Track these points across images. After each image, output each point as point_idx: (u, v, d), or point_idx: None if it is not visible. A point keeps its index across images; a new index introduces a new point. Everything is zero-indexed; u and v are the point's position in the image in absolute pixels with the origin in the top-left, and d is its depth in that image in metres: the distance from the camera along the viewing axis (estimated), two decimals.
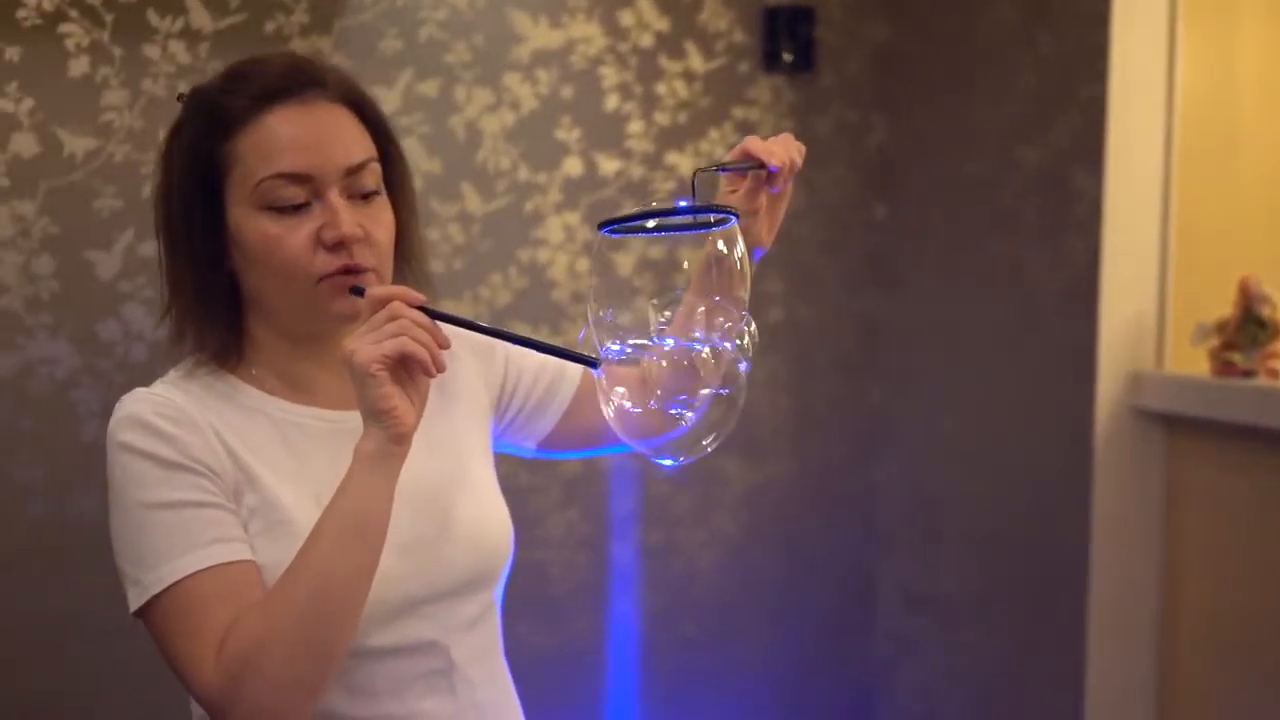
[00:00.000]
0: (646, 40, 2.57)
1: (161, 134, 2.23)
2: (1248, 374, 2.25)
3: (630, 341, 1.10)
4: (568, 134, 2.52)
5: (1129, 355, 2.39)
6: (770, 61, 2.68)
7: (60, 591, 2.13)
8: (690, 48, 2.61)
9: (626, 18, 2.55)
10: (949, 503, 2.73)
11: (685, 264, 1.19)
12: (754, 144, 1.24)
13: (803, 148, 1.27)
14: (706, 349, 1.11)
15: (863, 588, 2.86)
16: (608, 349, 1.11)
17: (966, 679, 2.69)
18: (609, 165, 2.55)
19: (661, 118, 2.60)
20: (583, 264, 2.53)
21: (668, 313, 1.12)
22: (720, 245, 1.11)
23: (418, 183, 2.39)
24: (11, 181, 2.10)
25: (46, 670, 2.13)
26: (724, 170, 1.24)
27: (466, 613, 1.20)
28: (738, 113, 2.67)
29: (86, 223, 2.16)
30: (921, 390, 2.79)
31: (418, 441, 1.21)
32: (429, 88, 2.40)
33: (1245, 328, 2.25)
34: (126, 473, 1.09)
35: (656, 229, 1.10)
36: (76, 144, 2.13)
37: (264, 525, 1.10)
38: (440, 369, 1.05)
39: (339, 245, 1.12)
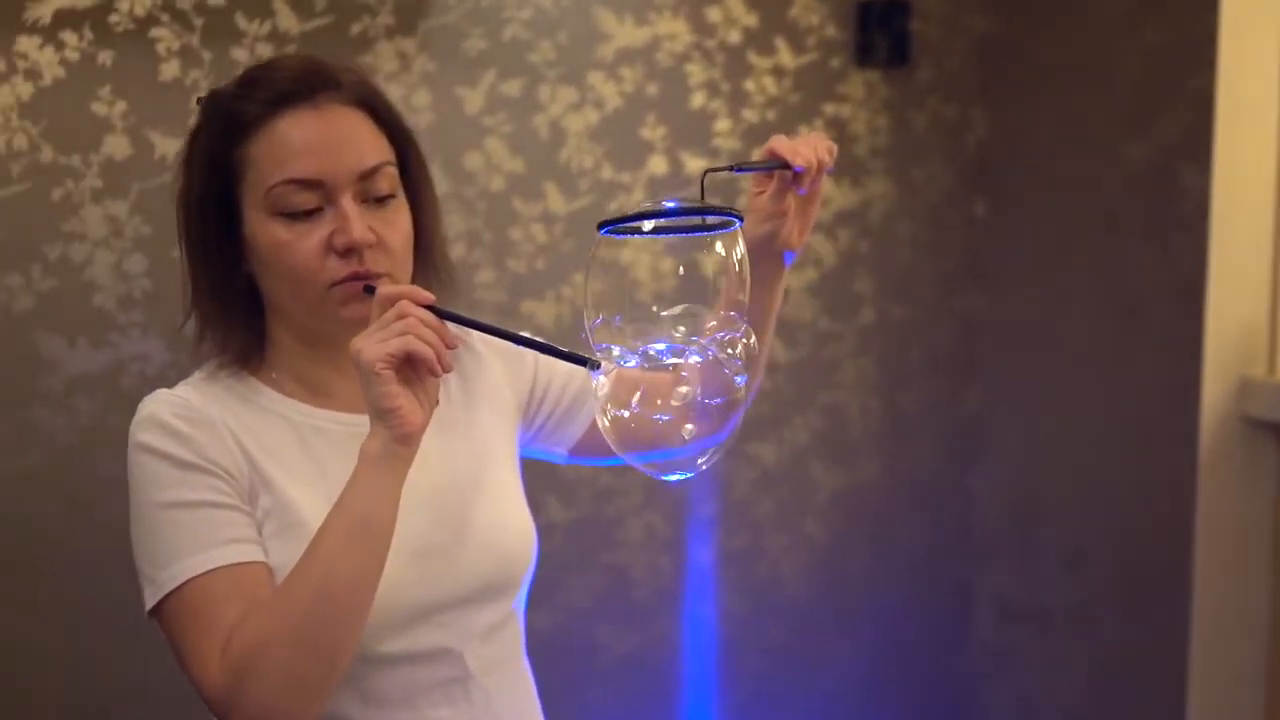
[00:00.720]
0: (734, 36, 2.53)
1: None
2: None
3: (622, 348, 1.08)
4: (652, 132, 2.49)
5: (1238, 361, 2.27)
6: (863, 56, 2.62)
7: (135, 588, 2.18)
8: (780, 43, 2.57)
9: (714, 14, 2.51)
10: (1048, 511, 2.63)
11: (680, 270, 1.15)
12: (779, 143, 1.20)
13: (833, 147, 1.22)
14: (695, 358, 1.08)
15: (957, 598, 2.78)
16: (601, 351, 1.08)
17: (1065, 694, 2.59)
18: (695, 164, 2.52)
19: (750, 115, 2.56)
20: (666, 263, 2.50)
21: (682, 327, 1.09)
22: (719, 248, 1.08)
23: (500, 182, 2.40)
24: (104, 183, 2.16)
25: (136, 666, 2.19)
26: (740, 170, 1.20)
27: (484, 621, 1.18)
28: (829, 109, 2.61)
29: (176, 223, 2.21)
30: (1020, 394, 2.69)
31: (438, 445, 1.20)
32: (512, 87, 2.40)
33: None
34: (144, 472, 1.11)
35: (657, 230, 1.07)
36: (167, 146, 2.18)
37: (278, 527, 1.11)
38: (446, 369, 1.04)
39: (350, 251, 1.12)
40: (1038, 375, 2.65)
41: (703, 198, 1.09)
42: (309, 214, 1.11)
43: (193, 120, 1.21)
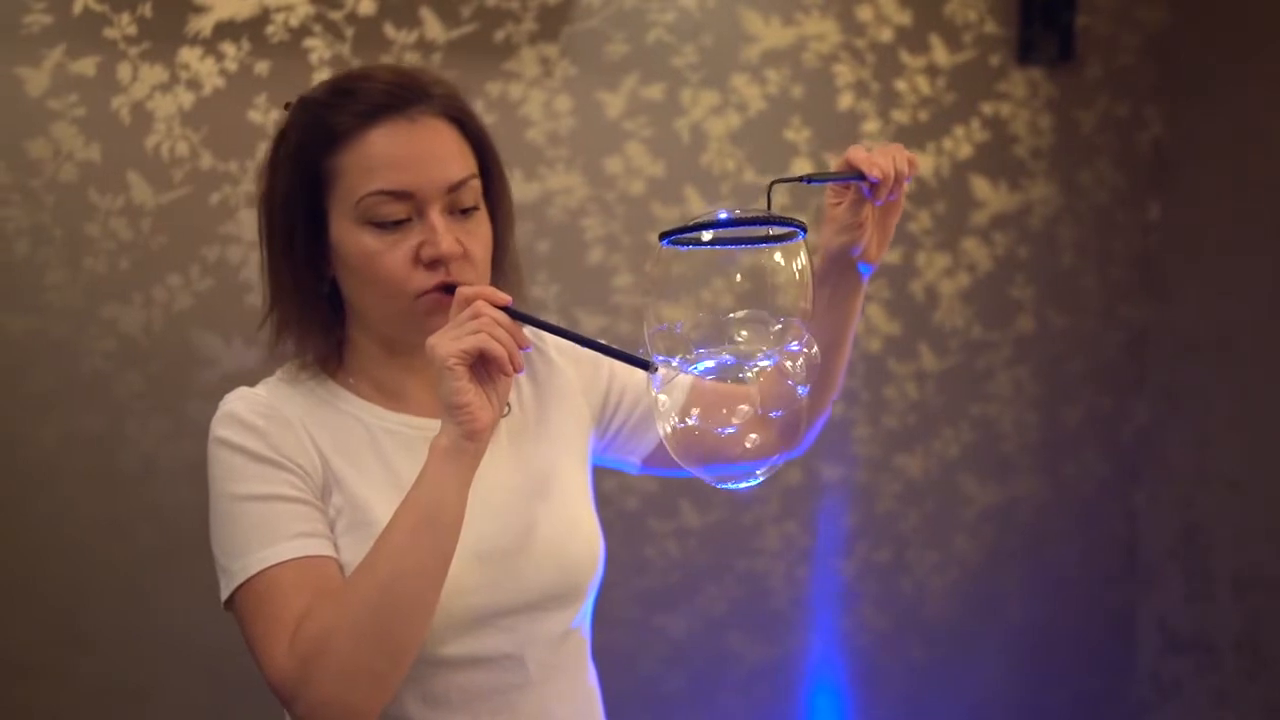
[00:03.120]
0: (886, 35, 2.46)
1: None
2: None
3: (682, 358, 1.05)
4: (797, 135, 2.45)
5: None
6: (1026, 53, 2.51)
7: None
8: (934, 41, 2.48)
9: (864, 12, 2.45)
10: (1220, 535, 2.46)
11: (738, 277, 1.11)
12: (856, 154, 1.15)
13: (914, 158, 1.17)
14: (758, 365, 1.04)
15: (1119, 624, 2.63)
16: (661, 360, 1.06)
17: None
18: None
19: (900, 116, 2.48)
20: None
21: (744, 332, 1.06)
22: (777, 256, 1.04)
23: (640, 186, 2.40)
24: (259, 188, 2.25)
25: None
26: (813, 181, 1.16)
27: (548, 629, 1.18)
28: (987, 108, 2.51)
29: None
30: (1193, 410, 2.53)
31: (508, 450, 1.20)
32: (654, 91, 2.39)
33: None
34: (221, 466, 1.14)
35: (719, 241, 1.04)
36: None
37: (348, 525, 1.13)
38: (518, 368, 1.06)
39: (437, 262, 1.12)
40: (1212, 390, 2.49)
41: (769, 207, 1.06)
42: (398, 224, 1.13)
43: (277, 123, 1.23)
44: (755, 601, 2.49)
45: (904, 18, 2.46)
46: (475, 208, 1.16)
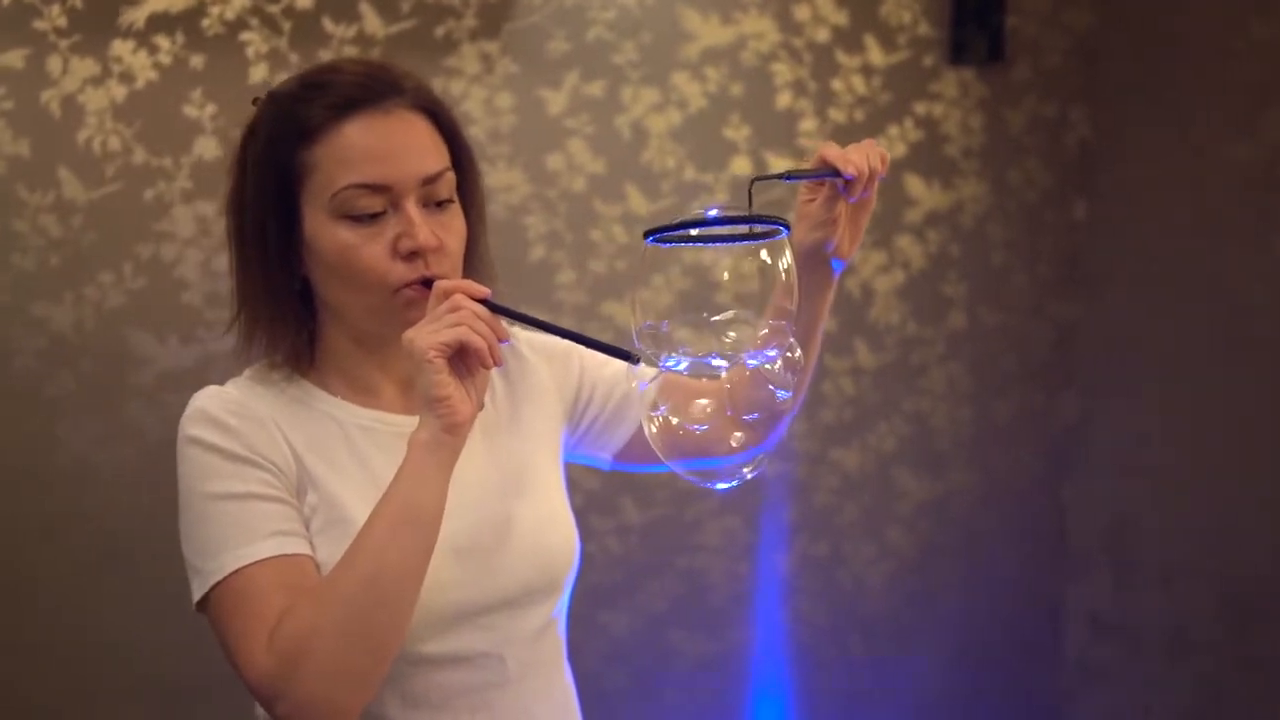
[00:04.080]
0: (822, 35, 2.49)
1: None
2: None
3: (666, 354, 1.06)
4: (736, 132, 2.47)
5: None
6: (957, 54, 2.55)
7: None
8: (869, 41, 2.52)
9: (801, 12, 2.48)
10: (1147, 527, 2.54)
11: (725, 276, 1.12)
12: (830, 151, 1.16)
13: (886, 155, 1.19)
14: (740, 365, 1.06)
15: (1049, 613, 2.69)
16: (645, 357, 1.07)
17: (1157, 714, 2.50)
18: (779, 164, 2.48)
19: (837, 115, 2.51)
20: (749, 265, 2.47)
21: (731, 334, 1.07)
22: (764, 256, 1.05)
23: (581, 183, 2.40)
24: (195, 184, 2.22)
25: (218, 659, 2.24)
26: (790, 178, 1.17)
27: (526, 625, 1.17)
28: (920, 108, 2.56)
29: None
30: (1119, 404, 2.60)
31: (482, 447, 1.19)
32: (595, 88, 2.39)
33: None
34: (193, 465, 1.12)
35: (704, 239, 1.05)
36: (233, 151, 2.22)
37: (324, 523, 1.11)
38: (498, 361, 1.05)
39: (415, 255, 1.12)
40: (1138, 385, 2.56)
41: (750, 206, 1.07)
42: (374, 217, 1.11)
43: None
44: (696, 597, 2.51)
45: (840, 18, 2.49)
46: (450, 201, 1.15)
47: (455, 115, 1.19)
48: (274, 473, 1.12)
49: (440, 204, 1.15)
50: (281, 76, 2.21)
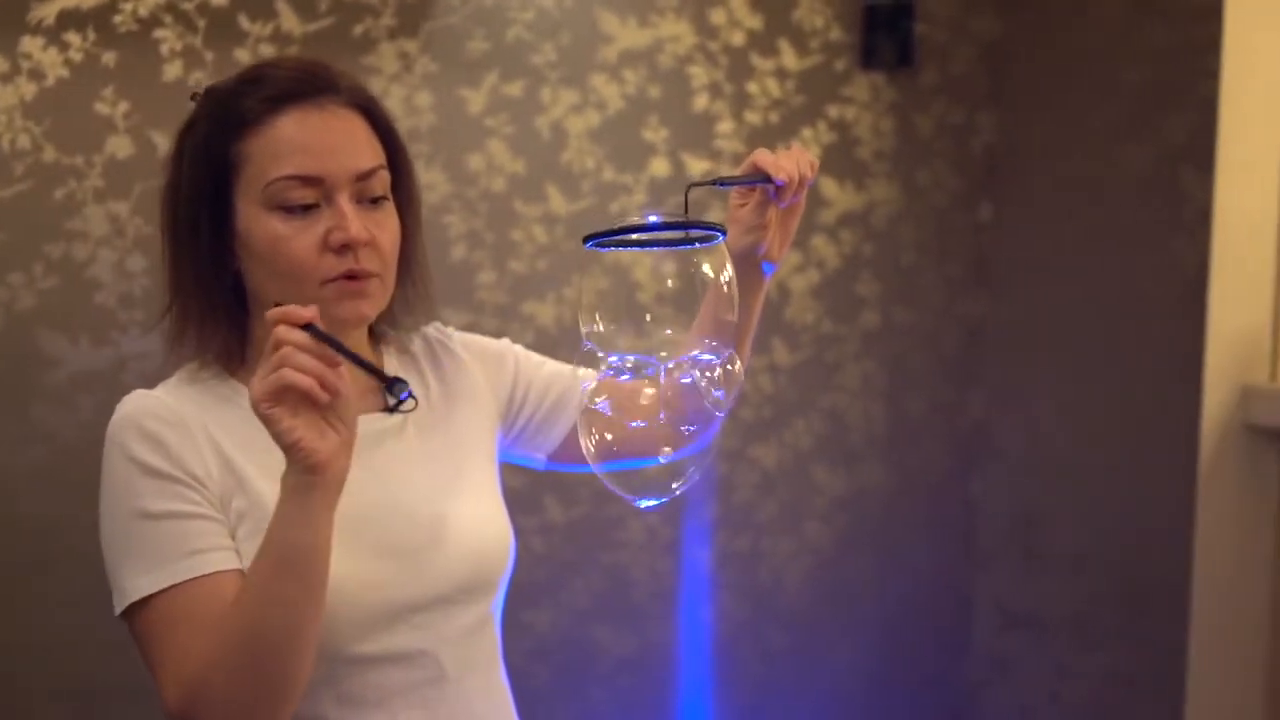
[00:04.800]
0: (738, 39, 2.53)
1: None
2: None
3: (612, 361, 1.09)
4: (654, 134, 2.50)
5: (1239, 368, 2.25)
6: (868, 59, 2.61)
7: None
8: (783, 45, 2.56)
9: (717, 15, 2.51)
10: (1050, 518, 2.62)
11: (669, 281, 1.15)
12: (762, 157, 1.20)
13: (815, 161, 1.22)
14: (675, 380, 1.09)
15: (958, 603, 2.77)
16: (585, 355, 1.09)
17: (1064, 701, 2.58)
18: (697, 166, 2.52)
19: (753, 117, 2.55)
20: (668, 265, 2.50)
21: (664, 352, 1.10)
22: (705, 268, 1.08)
23: (501, 183, 2.41)
24: (107, 182, 2.18)
25: (134, 664, 2.20)
26: (724, 184, 1.20)
27: (460, 622, 1.18)
28: (833, 112, 2.61)
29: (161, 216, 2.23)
30: (1024, 400, 2.68)
31: (416, 447, 1.20)
32: (514, 89, 2.40)
33: None
34: (114, 476, 1.12)
35: (641, 243, 1.07)
36: (170, 146, 2.19)
37: (254, 527, 1.11)
38: (332, 394, 1.01)
39: (345, 248, 1.12)
40: (1041, 381, 2.64)
41: (686, 211, 1.10)
42: (306, 210, 1.12)
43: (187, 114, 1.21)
44: (619, 594, 2.53)
45: (755, 22, 2.54)
46: (384, 198, 1.16)
47: (391, 118, 1.20)
48: (196, 487, 1.11)
49: (374, 201, 1.16)
50: (196, 74, 2.20)
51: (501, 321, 2.41)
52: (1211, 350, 2.25)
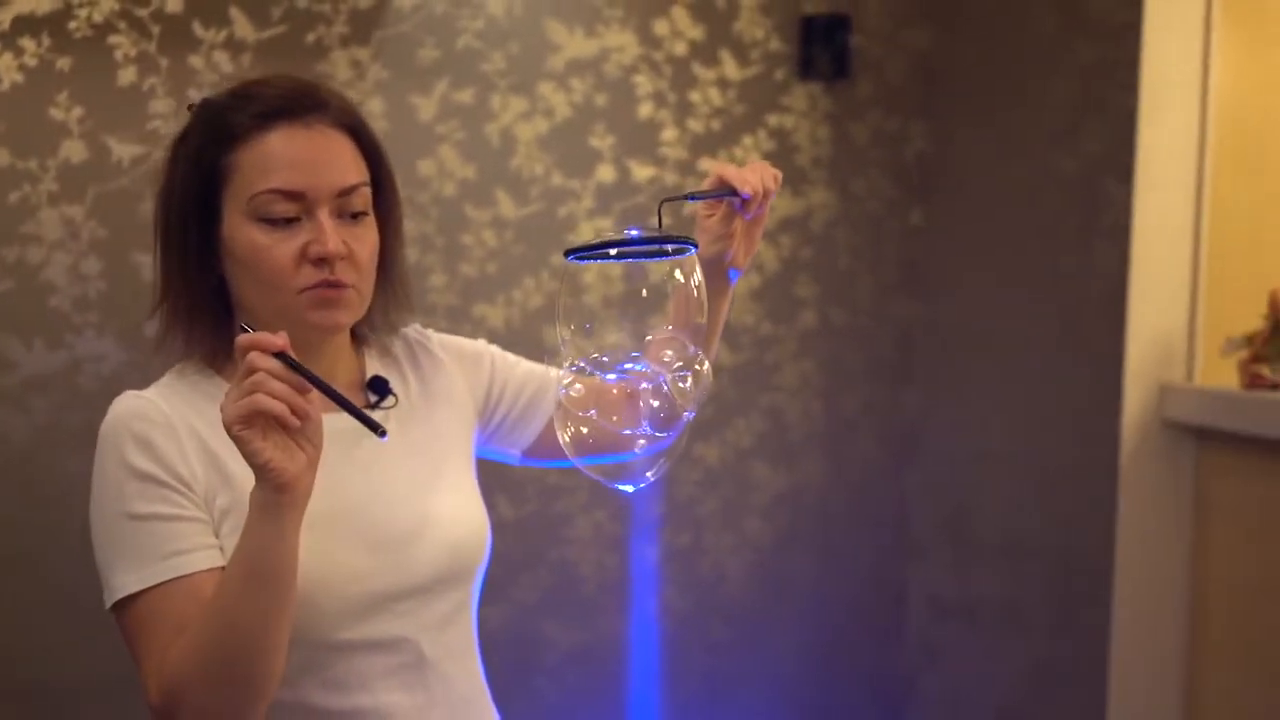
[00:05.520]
0: (680, 49, 2.61)
1: None
2: (1276, 387, 2.22)
3: (579, 362, 1.16)
4: (601, 141, 2.56)
5: (1158, 367, 2.37)
6: (806, 69, 2.71)
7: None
8: (725, 55, 2.64)
9: (661, 27, 2.59)
10: (980, 511, 2.73)
11: (644, 291, 1.23)
12: (728, 171, 1.27)
13: (778, 175, 1.30)
14: (646, 384, 1.16)
15: (893, 594, 2.87)
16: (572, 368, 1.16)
17: (994, 686, 2.69)
18: (642, 172, 2.59)
19: (695, 125, 2.63)
20: (615, 269, 2.57)
21: (636, 354, 1.17)
22: (678, 274, 1.16)
23: (452, 188, 2.46)
24: (61, 186, 2.20)
25: (98, 660, 2.22)
26: (693, 198, 1.28)
27: (439, 610, 1.25)
28: (772, 120, 2.70)
29: (133, 226, 2.25)
30: (955, 398, 2.79)
31: (398, 442, 1.26)
32: (465, 96, 2.46)
33: (1275, 340, 2.22)
34: (103, 476, 1.17)
35: (619, 256, 1.15)
36: (124, 150, 2.22)
37: (237, 523, 1.16)
38: (303, 418, 1.06)
39: (322, 261, 1.18)
40: (971, 379, 2.75)
41: (660, 225, 1.17)
42: (288, 222, 1.18)
43: (161, 123, 1.26)
44: (567, 589, 2.59)
45: (697, 33, 2.62)
46: (364, 214, 1.22)
47: (377, 137, 1.26)
48: (180, 489, 1.17)
49: (355, 216, 1.21)
50: (150, 80, 2.23)
51: (452, 324, 2.46)
52: (1131, 350, 2.36)
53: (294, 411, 1.05)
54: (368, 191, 1.22)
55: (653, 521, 2.66)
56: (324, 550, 1.17)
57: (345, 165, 1.20)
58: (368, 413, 1.15)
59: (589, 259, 1.15)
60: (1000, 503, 2.68)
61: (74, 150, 2.20)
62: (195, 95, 2.26)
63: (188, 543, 1.15)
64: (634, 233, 1.13)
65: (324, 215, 1.18)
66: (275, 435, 1.05)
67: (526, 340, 2.43)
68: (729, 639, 2.73)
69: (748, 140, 2.68)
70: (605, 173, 2.57)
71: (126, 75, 2.23)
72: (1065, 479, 2.52)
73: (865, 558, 2.85)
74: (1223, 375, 2.35)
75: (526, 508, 2.55)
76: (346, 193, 1.20)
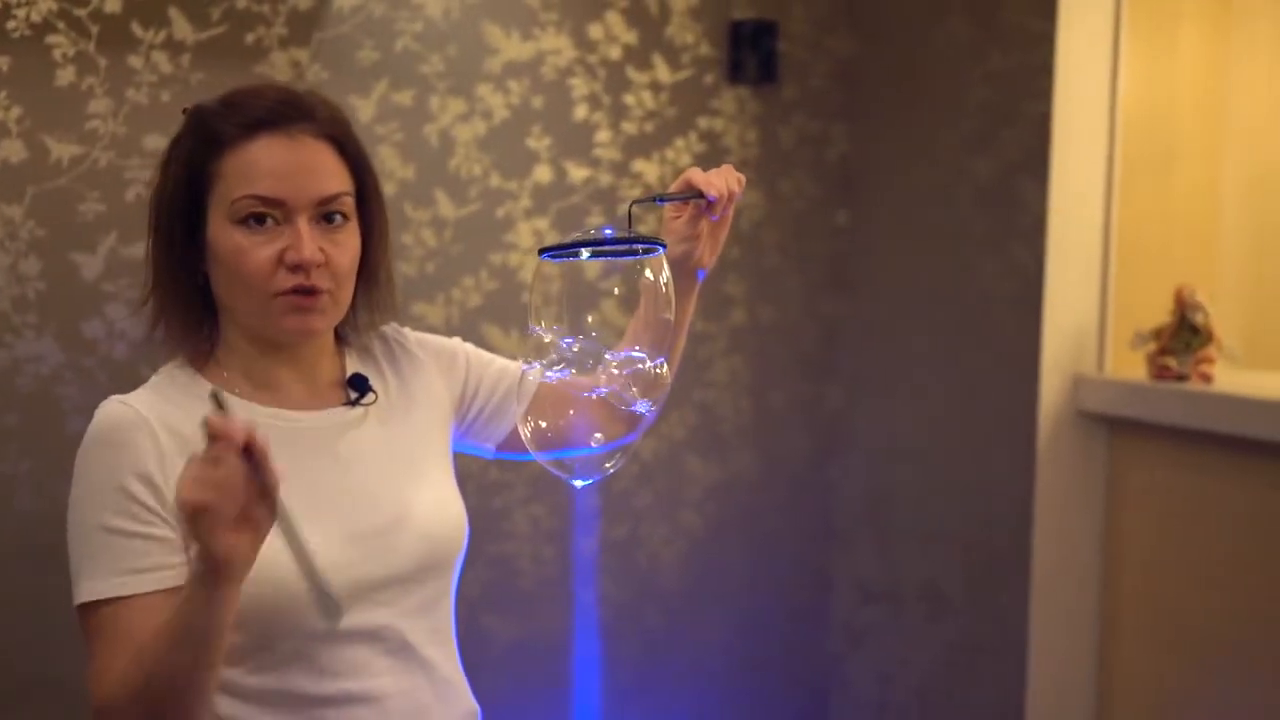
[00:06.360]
0: (615, 53, 2.67)
1: (145, 141, 2.31)
2: (1181, 378, 2.36)
3: (544, 360, 1.22)
4: (538, 142, 2.61)
5: (1071, 360, 2.50)
6: (734, 73, 2.79)
7: (46, 584, 2.21)
8: (657, 60, 2.71)
9: (595, 31, 2.65)
10: (902, 500, 2.84)
11: (616, 290, 1.30)
12: (695, 175, 1.34)
13: (742, 178, 1.37)
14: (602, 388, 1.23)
15: (819, 581, 2.97)
16: (534, 365, 1.23)
17: (917, 668, 2.80)
18: (578, 173, 2.65)
19: (629, 127, 2.70)
20: (552, 267, 2.62)
21: (606, 353, 1.24)
22: (647, 272, 1.23)
23: (391, 189, 2.49)
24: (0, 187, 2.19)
25: (35, 662, 2.22)
26: (663, 201, 1.35)
27: (420, 597, 1.30)
28: (703, 123, 2.77)
29: (71, 226, 2.25)
30: (877, 392, 2.90)
31: (378, 435, 1.32)
32: (404, 97, 2.49)
33: (1180, 334, 2.36)
34: (80, 484, 1.23)
35: (592, 255, 1.21)
36: (62, 150, 2.22)
37: None
38: (256, 518, 1.08)
39: (298, 267, 1.22)
40: (893, 374, 2.86)
41: (630, 225, 1.24)
42: (267, 228, 1.22)
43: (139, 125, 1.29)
44: (505, 583, 2.64)
45: (630, 37, 2.68)
46: (345, 221, 1.26)
47: (363, 147, 1.31)
48: (152, 507, 1.21)
49: (334, 225, 1.26)
50: (89, 80, 2.23)
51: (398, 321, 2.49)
52: (1047, 343, 2.49)
53: (249, 501, 1.06)
54: (349, 200, 1.27)
55: (587, 515, 2.72)
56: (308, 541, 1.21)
57: (326, 174, 1.25)
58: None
59: (562, 258, 1.21)
60: (922, 491, 2.79)
61: (12, 150, 2.19)
62: (134, 95, 2.27)
63: (148, 561, 1.20)
64: (608, 232, 1.20)
65: (302, 222, 1.23)
66: (226, 518, 1.06)
67: (466, 339, 2.46)
68: (664, 627, 2.80)
69: (680, 142, 2.75)
70: (542, 173, 2.62)
71: (65, 75, 2.22)
72: (984, 468, 2.64)
73: (793, 546, 2.94)
74: (1132, 367, 2.49)
75: (465, 503, 2.58)
76: (326, 201, 1.24)
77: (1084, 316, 2.50)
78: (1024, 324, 2.52)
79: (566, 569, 2.70)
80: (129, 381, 2.29)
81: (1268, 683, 2.23)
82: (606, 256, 1.23)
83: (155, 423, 1.22)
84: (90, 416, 1.25)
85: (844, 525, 2.97)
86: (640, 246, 1.22)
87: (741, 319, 2.85)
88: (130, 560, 1.19)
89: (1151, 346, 2.41)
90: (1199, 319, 2.34)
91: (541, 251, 1.21)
